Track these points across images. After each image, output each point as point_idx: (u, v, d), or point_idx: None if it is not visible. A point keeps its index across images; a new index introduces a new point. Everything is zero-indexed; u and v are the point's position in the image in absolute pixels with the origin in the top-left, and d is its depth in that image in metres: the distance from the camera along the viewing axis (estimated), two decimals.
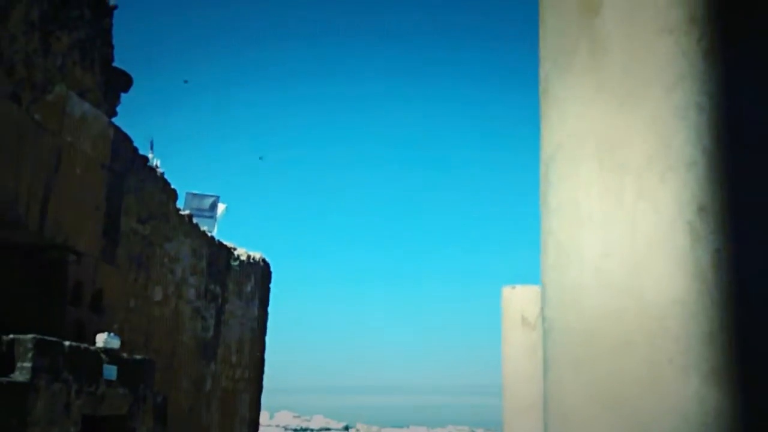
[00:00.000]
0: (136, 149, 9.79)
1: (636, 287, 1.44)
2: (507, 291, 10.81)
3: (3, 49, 7.19)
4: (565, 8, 1.62)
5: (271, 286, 15.65)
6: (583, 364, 1.49)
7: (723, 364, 1.39)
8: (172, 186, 11.20)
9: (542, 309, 1.63)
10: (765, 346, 1.40)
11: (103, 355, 7.18)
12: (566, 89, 1.61)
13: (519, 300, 10.53)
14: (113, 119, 9.25)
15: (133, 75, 9.78)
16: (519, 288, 10.67)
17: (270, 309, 15.74)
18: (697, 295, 1.42)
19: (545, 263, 1.61)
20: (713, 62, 1.49)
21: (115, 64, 9.28)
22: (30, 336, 6.08)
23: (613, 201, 1.49)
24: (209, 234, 12.63)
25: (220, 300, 12.85)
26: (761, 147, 1.47)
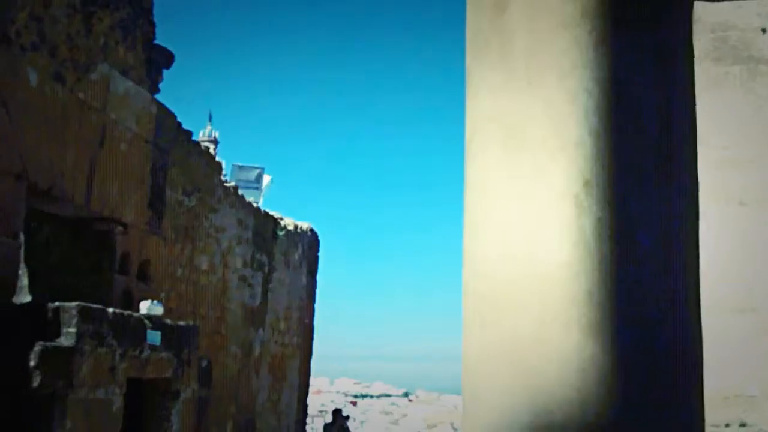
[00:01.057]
0: (179, 124, 10.13)
1: (530, 255, 1.64)
2: None
3: (46, 31, 7.54)
4: (481, 8, 1.81)
5: (323, 255, 16.00)
6: (488, 324, 1.69)
7: (600, 318, 1.58)
8: (218, 158, 11.55)
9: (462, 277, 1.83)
10: (636, 303, 1.58)
11: (146, 321, 7.54)
12: (481, 79, 1.80)
13: None
14: (156, 95, 9.58)
15: (176, 52, 10.10)
16: None
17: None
18: (580, 259, 1.60)
19: (464, 237, 1.81)
20: (602, 52, 1.66)
21: (156, 41, 9.59)
22: (74, 303, 6.45)
23: (513, 179, 1.68)
24: (255, 205, 12.99)
25: (267, 269, 13.22)
26: (641, 128, 1.65)
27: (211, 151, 53.56)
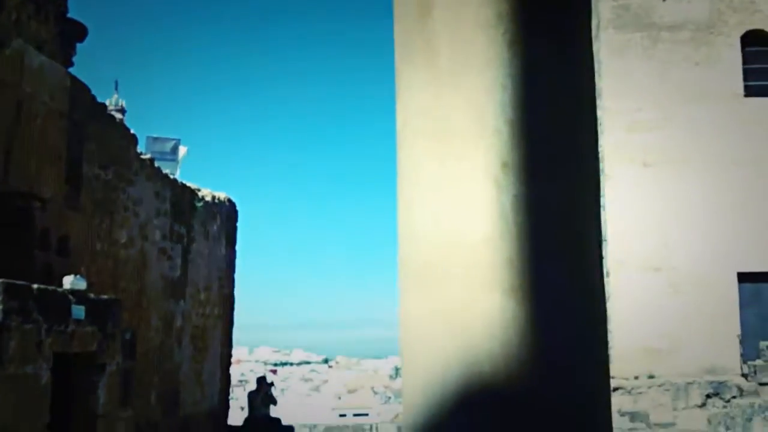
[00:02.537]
0: (94, 98, 10.08)
1: (458, 229, 1.88)
2: None
3: None
4: (407, 11, 2.03)
5: (241, 225, 16.07)
6: (423, 288, 1.94)
7: (519, 283, 1.83)
8: (133, 131, 11.50)
9: (398, 250, 2.07)
10: (549, 269, 1.85)
11: (70, 296, 7.60)
12: (409, 77, 2.02)
13: None
14: (70, 69, 9.51)
15: (89, 25, 10.01)
16: None
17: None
18: (501, 232, 1.86)
19: (398, 216, 2.05)
20: (515, 50, 1.90)
21: (69, 15, 9.50)
22: (0, 280, 6.48)
23: (441, 163, 1.92)
24: (172, 177, 12.98)
25: (185, 240, 13.26)
26: (549, 117, 1.90)
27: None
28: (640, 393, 18.07)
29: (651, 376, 18.57)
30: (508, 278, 1.84)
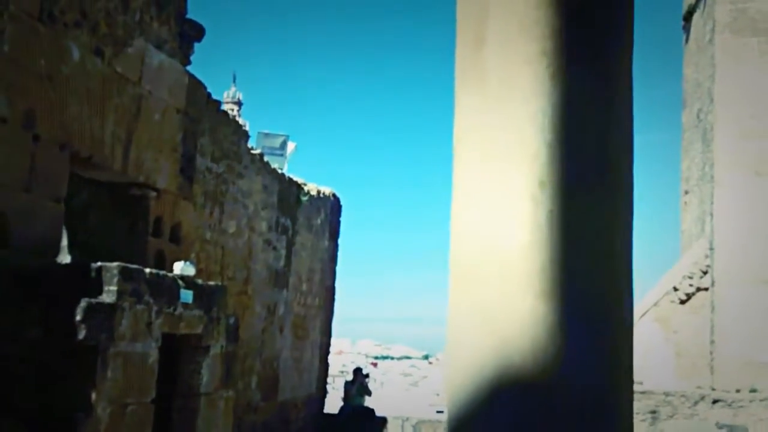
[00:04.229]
0: (209, 95, 10.65)
1: (497, 238, 2.14)
2: None
3: (87, 8, 8.05)
4: (465, 44, 2.31)
5: (347, 220, 16.57)
6: (466, 288, 2.20)
7: (549, 288, 2.08)
8: (247, 126, 12.08)
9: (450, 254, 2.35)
10: (577, 276, 2.08)
11: (179, 281, 8.12)
12: (464, 100, 2.29)
13: None
14: (187, 67, 10.09)
15: (206, 17, 10.57)
16: None
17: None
18: (536, 243, 2.10)
19: (450, 224, 2.32)
20: (555, 82, 2.14)
21: (188, 16, 10.07)
22: (115, 264, 7.02)
23: (486, 179, 2.18)
24: (280, 171, 13.53)
25: (290, 232, 13.79)
26: (584, 141, 2.13)
27: (235, 112, 53.75)
28: (741, 407, 17.67)
29: (753, 390, 18.14)
30: (540, 284, 2.09)
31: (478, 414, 2.12)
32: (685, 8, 21.79)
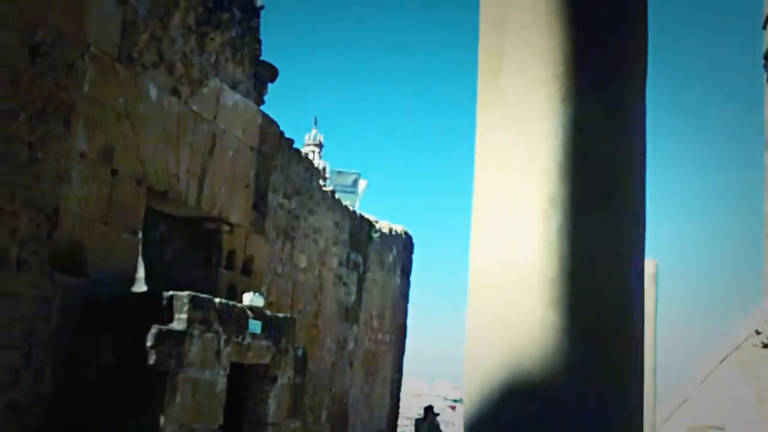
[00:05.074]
0: (282, 133, 10.99)
1: (513, 251, 2.26)
2: None
3: (164, 50, 8.47)
4: (485, 68, 2.46)
5: (420, 258, 16.71)
6: (482, 299, 2.33)
7: (558, 297, 2.18)
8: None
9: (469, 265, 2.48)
10: (583, 286, 2.18)
11: (248, 312, 8.36)
12: (484, 120, 2.43)
13: None
14: (264, 107, 10.45)
15: (282, 58, 10.95)
16: None
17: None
18: (546, 255, 2.21)
19: (470, 237, 2.45)
20: (567, 104, 2.27)
21: (262, 57, 10.46)
22: (186, 293, 7.31)
23: (502, 195, 2.31)
24: (351, 208, 13.78)
25: (361, 269, 13.99)
26: (594, 161, 2.25)
27: (316, 154, 54.44)
28: None
29: None
30: (550, 294, 2.20)
31: (490, 420, 2.23)
32: (765, 48, 21.49)
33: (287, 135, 11.31)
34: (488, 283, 2.32)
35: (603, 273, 2.22)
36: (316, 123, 51.71)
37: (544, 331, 2.19)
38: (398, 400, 16.41)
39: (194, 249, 9.73)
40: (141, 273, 9.87)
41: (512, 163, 2.32)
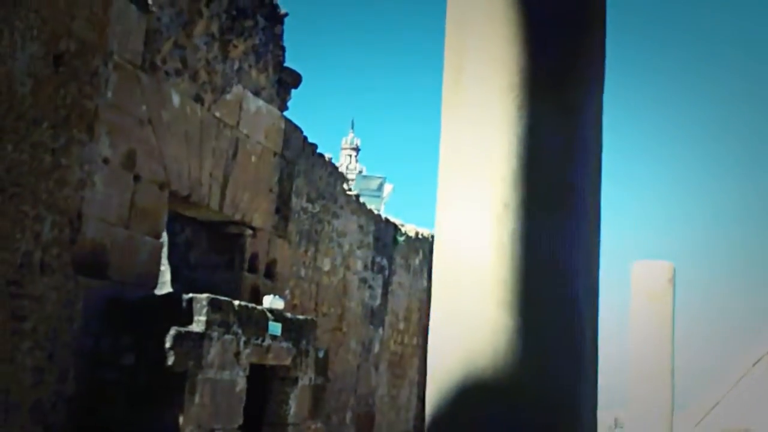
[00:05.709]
0: (305, 138, 11.15)
1: (469, 254, 2.37)
2: (638, 266, 11.37)
3: (188, 58, 8.67)
4: (449, 74, 2.58)
5: None
6: (441, 297, 2.44)
7: (509, 297, 2.29)
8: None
9: (432, 269, 2.59)
10: (535, 287, 2.28)
11: (268, 314, 8.52)
12: (446, 125, 2.56)
13: (649, 275, 11.07)
14: (284, 112, 10.62)
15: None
16: (649, 263, 11.19)
17: None
18: (498, 258, 2.32)
19: (435, 237, 2.56)
20: (522, 113, 2.37)
21: (286, 64, 10.62)
22: (205, 295, 7.48)
23: (459, 199, 2.42)
24: (376, 212, 13.91)
25: (387, 272, 14.12)
26: (546, 166, 2.34)
27: (353, 158, 54.37)
28: None
29: None
30: (501, 294, 2.31)
31: (447, 416, 2.35)
32: None
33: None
34: (448, 281, 2.44)
35: (555, 276, 2.32)
36: (353, 126, 51.98)
37: (495, 328, 2.29)
38: (425, 402, 16.37)
39: (218, 252, 9.92)
40: (167, 276, 10.09)
41: (469, 168, 2.43)
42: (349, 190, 12.82)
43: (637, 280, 11.31)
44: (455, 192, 2.44)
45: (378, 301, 13.78)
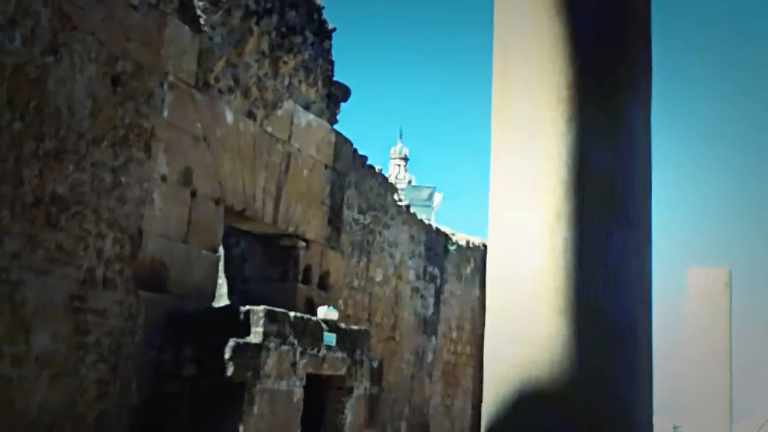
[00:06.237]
0: (355, 150, 11.28)
1: (522, 262, 2.44)
2: (693, 272, 11.29)
3: (240, 75, 8.85)
4: (498, 94, 2.67)
5: None
6: (498, 308, 2.52)
7: (563, 304, 2.36)
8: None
9: (487, 276, 2.67)
10: (587, 294, 2.35)
11: (323, 325, 8.65)
12: (498, 142, 2.64)
13: (704, 281, 10.99)
14: (335, 125, 10.77)
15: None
16: (705, 269, 11.11)
17: None
18: (552, 265, 2.39)
19: (488, 248, 2.65)
20: (570, 126, 2.44)
21: (335, 77, 10.77)
22: (262, 307, 7.63)
23: (512, 211, 2.50)
24: (427, 221, 14.00)
25: (439, 281, 14.19)
26: (594, 178, 2.41)
27: (401, 167, 54.48)
28: None
29: None
30: (555, 302, 2.39)
31: (503, 424, 2.42)
32: None
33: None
34: (501, 289, 2.52)
35: (607, 282, 2.38)
36: (401, 136, 52.16)
37: (549, 334, 2.37)
38: (480, 410, 16.37)
39: (272, 265, 10.08)
40: (223, 289, 10.29)
41: (521, 181, 2.52)
42: (400, 200, 12.92)
43: (693, 285, 11.24)
44: (507, 203, 2.52)
45: (430, 311, 13.85)
